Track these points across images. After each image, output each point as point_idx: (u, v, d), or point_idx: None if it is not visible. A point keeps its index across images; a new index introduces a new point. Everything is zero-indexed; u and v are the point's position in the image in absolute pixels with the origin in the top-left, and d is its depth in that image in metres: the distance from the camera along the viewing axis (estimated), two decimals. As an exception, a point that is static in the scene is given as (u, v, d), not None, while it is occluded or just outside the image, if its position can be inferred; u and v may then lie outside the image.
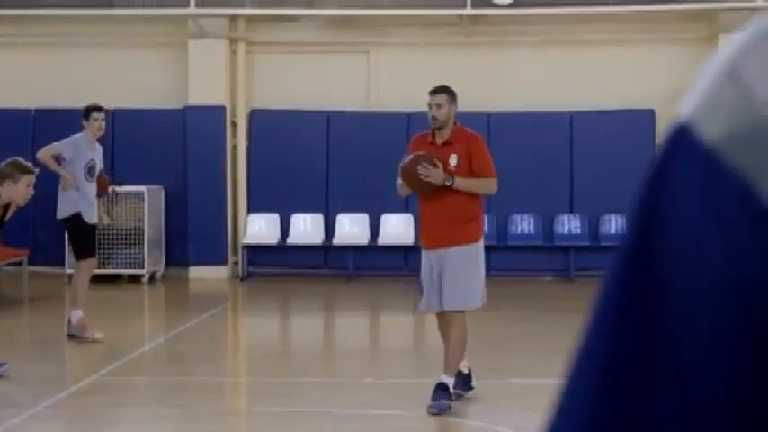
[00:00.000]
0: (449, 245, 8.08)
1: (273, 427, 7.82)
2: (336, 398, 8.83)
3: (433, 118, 8.31)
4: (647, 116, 17.91)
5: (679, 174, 0.65)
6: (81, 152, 11.46)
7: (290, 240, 17.95)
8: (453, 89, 8.55)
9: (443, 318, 8.23)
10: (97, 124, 11.61)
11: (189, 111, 18.07)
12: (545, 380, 9.46)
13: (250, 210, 18.28)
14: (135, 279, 17.08)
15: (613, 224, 17.86)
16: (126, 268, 17.18)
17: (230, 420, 8.47)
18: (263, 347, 12.06)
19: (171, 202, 17.90)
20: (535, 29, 18.06)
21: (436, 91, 8.49)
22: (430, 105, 8.36)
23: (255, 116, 18.41)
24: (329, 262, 18.12)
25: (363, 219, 17.91)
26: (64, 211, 11.47)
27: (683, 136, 0.66)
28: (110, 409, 8.71)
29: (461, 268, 8.05)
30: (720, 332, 0.62)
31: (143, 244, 17.14)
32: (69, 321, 11.38)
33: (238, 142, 18.32)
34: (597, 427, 0.65)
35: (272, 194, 18.09)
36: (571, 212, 17.95)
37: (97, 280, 16.72)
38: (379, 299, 15.99)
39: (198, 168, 18.01)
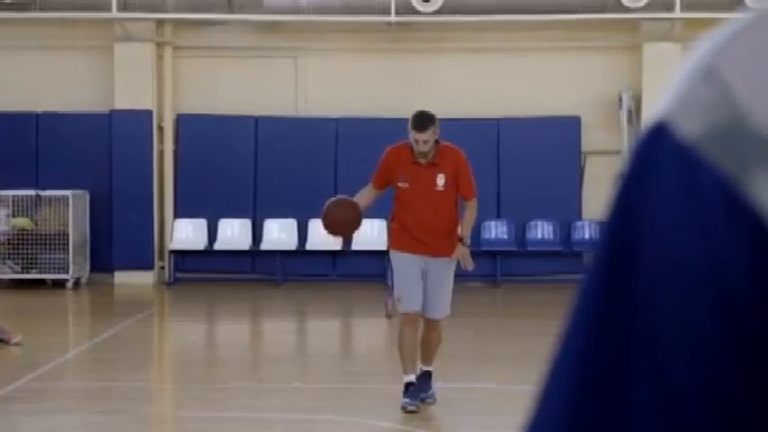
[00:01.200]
0: (437, 254, 8.19)
1: (201, 433, 7.79)
2: (264, 403, 8.81)
3: (421, 153, 8.14)
4: (574, 123, 18.11)
5: (657, 171, 0.65)
6: None
7: (218, 245, 17.86)
8: (433, 114, 8.33)
9: (417, 318, 8.37)
10: None
11: (115, 115, 17.91)
12: (474, 384, 9.53)
13: (177, 215, 18.16)
14: (59, 284, 16.89)
15: (540, 230, 18.03)
16: (50, 273, 16.99)
17: (157, 426, 8.42)
18: (190, 353, 11.99)
19: (96, 206, 17.72)
20: (462, 35, 18.18)
21: (422, 126, 8.16)
22: (416, 140, 8.12)
23: (182, 120, 18.30)
24: (257, 267, 18.07)
25: (291, 224, 17.89)
26: None
27: (660, 133, 0.66)
28: (34, 416, 8.60)
29: (446, 279, 8.29)
30: (701, 330, 0.62)
31: (68, 249, 16.95)
32: None
33: (165, 147, 18.20)
34: (579, 413, 0.65)
35: (200, 199, 17.99)
36: (498, 218, 18.08)
37: (21, 285, 16.54)
38: (307, 304, 15.98)
39: (124, 173, 17.85)
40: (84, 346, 11.57)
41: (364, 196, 8.40)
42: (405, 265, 8.22)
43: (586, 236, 17.97)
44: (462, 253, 8.20)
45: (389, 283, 8.46)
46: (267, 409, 8.49)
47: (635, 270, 0.64)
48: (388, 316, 8.79)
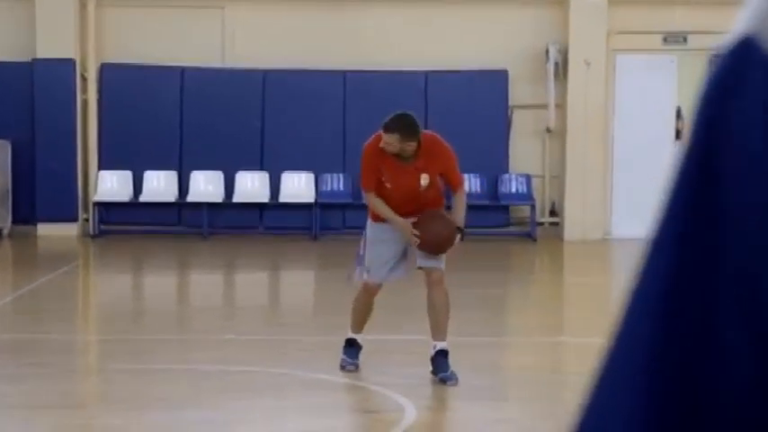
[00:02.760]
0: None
1: (131, 385, 7.72)
2: (194, 355, 8.76)
3: (404, 152, 7.61)
4: (501, 76, 18.14)
5: (745, 84, 0.63)
6: None
7: (143, 198, 17.67)
8: (414, 117, 7.72)
9: (376, 290, 7.98)
10: None
11: (36, 64, 17.57)
12: (398, 337, 9.57)
13: (101, 166, 17.92)
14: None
15: (467, 183, 18.01)
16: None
17: (86, 378, 8.33)
18: (117, 306, 11.87)
19: (18, 157, 17.41)
20: (391, -13, 18.08)
21: (411, 136, 7.57)
22: (403, 149, 7.57)
23: (106, 70, 18.00)
24: (183, 220, 17.92)
25: (218, 176, 17.75)
26: None
27: (745, 48, 0.64)
28: (-41, 368, 8.46)
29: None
30: None
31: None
32: None
33: (89, 97, 17.91)
34: (663, 353, 0.63)
35: (124, 151, 17.77)
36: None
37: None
38: (234, 257, 15.90)
39: (46, 123, 17.55)
40: (8, 298, 11.39)
41: (380, 206, 7.80)
42: (381, 240, 7.84)
43: (513, 189, 18.07)
44: (457, 248, 7.82)
45: (360, 252, 7.96)
46: (198, 361, 8.44)
47: (722, 186, 0.62)
48: (349, 279, 8.42)
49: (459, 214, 7.78)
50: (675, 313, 0.63)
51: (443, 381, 7.70)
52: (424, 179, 7.64)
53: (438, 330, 7.88)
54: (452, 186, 7.85)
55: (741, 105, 0.63)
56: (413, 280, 13.47)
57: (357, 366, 8.04)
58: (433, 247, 7.66)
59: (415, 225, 7.62)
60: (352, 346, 8.12)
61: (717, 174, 0.63)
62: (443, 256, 7.81)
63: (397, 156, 7.62)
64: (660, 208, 0.67)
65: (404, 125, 7.57)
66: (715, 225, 0.63)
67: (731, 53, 0.64)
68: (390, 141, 7.57)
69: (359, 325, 8.13)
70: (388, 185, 7.71)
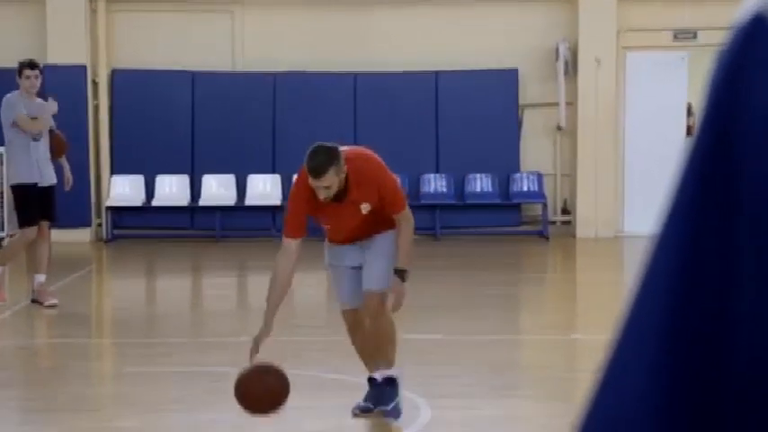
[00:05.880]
0: (372, 235, 6.75)
1: (146, 388, 7.74)
2: (209, 357, 8.78)
3: (325, 198, 6.44)
4: (511, 75, 18.14)
5: (760, 57, 0.64)
6: (14, 111, 11.02)
7: (156, 202, 17.72)
8: (333, 149, 6.46)
9: (354, 317, 6.90)
10: (29, 82, 11.17)
11: (48, 70, 17.60)
12: (413, 336, 9.57)
13: (113, 171, 17.97)
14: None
15: (479, 183, 18.09)
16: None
17: (102, 382, 8.36)
18: (131, 309, 11.91)
19: (31, 163, 17.45)
20: (400, -12, 18.10)
21: (320, 173, 6.34)
22: (316, 187, 6.39)
23: (117, 76, 18.06)
24: (196, 223, 17.96)
25: (230, 179, 17.79)
26: (10, 177, 11.14)
27: (759, 23, 0.65)
28: (-25, 373, 8.50)
29: (385, 250, 6.68)
30: None
31: (2, 206, 16.70)
32: None
33: (100, 102, 17.97)
34: (679, 325, 0.63)
35: (137, 155, 17.82)
36: (437, 172, 18.11)
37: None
38: (247, 259, 15.93)
39: (58, 129, 17.56)
40: (23, 303, 11.43)
41: (280, 278, 6.58)
42: (335, 256, 6.86)
43: (525, 188, 18.06)
44: (398, 292, 6.59)
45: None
46: (213, 363, 8.46)
47: (738, 155, 0.63)
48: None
49: (404, 249, 6.61)
50: (693, 283, 0.63)
51: (384, 414, 6.80)
52: (364, 208, 6.57)
53: (378, 353, 6.82)
54: (391, 212, 6.61)
55: (754, 78, 0.64)
56: (431, 278, 13.51)
57: (363, 411, 6.93)
58: (256, 404, 6.12)
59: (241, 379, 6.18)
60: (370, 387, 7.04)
61: (730, 145, 0.64)
62: (387, 280, 6.63)
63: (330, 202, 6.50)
64: (674, 183, 0.68)
65: (309, 157, 6.40)
66: (730, 194, 0.64)
67: (743, 30, 0.66)
68: (314, 186, 6.43)
69: (363, 361, 7.06)
70: (327, 227, 6.72)
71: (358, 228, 6.68)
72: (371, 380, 6.88)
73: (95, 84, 17.93)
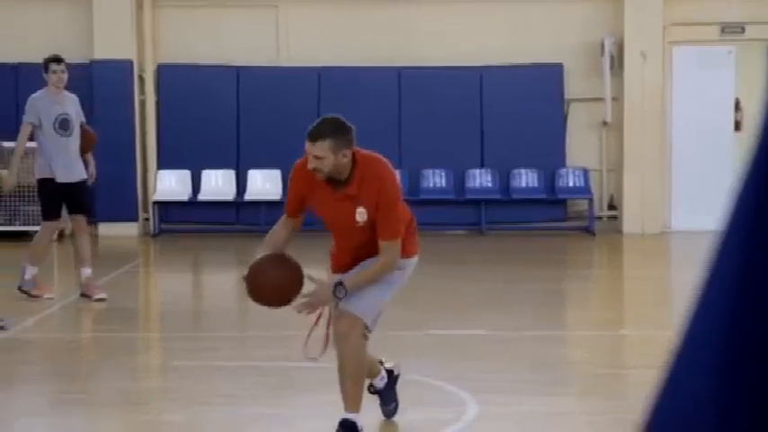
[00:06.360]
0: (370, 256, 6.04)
1: (192, 382, 7.79)
2: (255, 352, 8.82)
3: (314, 170, 5.80)
4: (556, 71, 18.06)
5: None
6: (44, 109, 11.12)
7: (202, 196, 17.82)
8: (344, 124, 5.90)
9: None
10: (56, 76, 11.25)
11: (95, 65, 17.77)
12: (460, 332, 9.56)
13: (160, 166, 18.09)
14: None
15: (524, 178, 18.03)
16: (33, 225, 16.87)
17: (148, 376, 8.42)
18: (178, 303, 11.99)
19: (78, 158, 17.60)
20: (445, -17, 18.07)
21: (315, 136, 5.76)
22: (309, 154, 5.79)
23: (163, 71, 18.17)
24: (241, 218, 18.05)
25: (275, 174, 17.84)
26: (36, 172, 11.26)
27: None
28: (22, 366, 8.60)
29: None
30: None
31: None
32: (23, 275, 11.25)
33: (146, 97, 18.09)
34: (743, 327, 0.63)
35: (183, 150, 17.93)
36: (482, 167, 18.08)
37: (5, 238, 16.45)
38: (292, 253, 15.94)
39: (105, 124, 17.71)
40: (71, 297, 11.53)
41: (274, 237, 6.20)
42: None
43: (570, 183, 17.98)
44: (318, 294, 5.86)
45: None
46: (259, 357, 8.50)
47: None
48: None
49: (365, 273, 5.88)
50: (757, 285, 0.63)
51: None
52: (360, 214, 5.85)
53: (342, 391, 6.11)
54: (381, 234, 5.84)
55: None
56: (476, 274, 13.51)
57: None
58: (264, 296, 5.99)
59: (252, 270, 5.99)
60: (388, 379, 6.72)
61: None
62: (366, 307, 5.94)
63: (329, 189, 5.90)
64: (734, 193, 0.67)
65: (310, 129, 5.83)
66: None
67: None
68: (307, 152, 5.81)
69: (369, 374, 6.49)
70: (321, 217, 6.08)
71: (349, 246, 5.98)
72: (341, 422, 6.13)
73: (142, 79, 18.05)
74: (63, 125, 11.17)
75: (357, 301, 5.91)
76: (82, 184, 11.34)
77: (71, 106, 11.33)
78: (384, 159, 6.00)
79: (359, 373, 6.04)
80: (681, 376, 0.70)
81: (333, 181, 5.87)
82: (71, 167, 11.17)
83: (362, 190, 5.82)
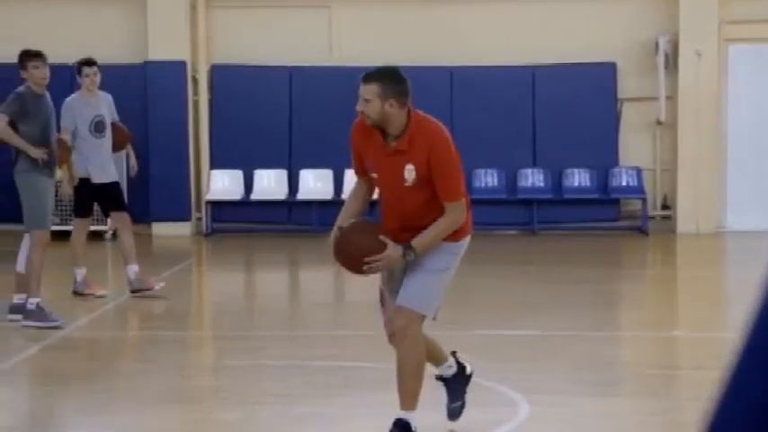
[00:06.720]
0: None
1: (244, 380, 7.83)
2: (306, 351, 8.85)
3: (361, 113, 5.86)
4: (609, 69, 17.95)
5: None
6: (79, 113, 11.21)
7: (254, 196, 17.90)
8: (399, 75, 5.89)
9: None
10: (88, 79, 11.34)
11: (149, 66, 17.91)
12: (511, 332, 9.53)
13: (213, 166, 18.20)
14: (97, 236, 16.96)
15: (576, 177, 17.94)
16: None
17: (200, 374, 8.47)
18: (230, 302, 12.06)
19: (132, 158, 17.73)
20: (497, -18, 18.02)
21: (366, 78, 5.85)
22: (360, 96, 5.83)
23: (217, 71, 18.28)
24: (293, 217, 18.11)
25: (327, 174, 17.88)
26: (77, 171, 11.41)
27: None
28: (78, 363, 8.69)
29: (429, 264, 5.89)
30: None
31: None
32: (75, 279, 11.38)
33: (200, 98, 18.21)
34: None
35: (235, 150, 18.02)
36: (534, 166, 18.00)
37: (59, 237, 16.63)
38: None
39: (159, 124, 17.88)
40: (125, 296, 11.63)
41: (350, 205, 6.15)
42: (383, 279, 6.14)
43: (623, 183, 17.86)
44: (387, 255, 5.76)
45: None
46: (310, 357, 8.52)
47: None
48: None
49: (431, 233, 5.81)
50: None
51: None
52: (409, 171, 5.79)
53: (400, 391, 6.03)
54: (441, 196, 5.81)
55: None
56: (529, 274, 13.47)
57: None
58: (346, 257, 5.91)
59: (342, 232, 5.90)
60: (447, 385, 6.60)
61: None
62: (426, 299, 5.90)
63: (384, 145, 5.87)
64: None
65: (366, 72, 5.92)
66: None
67: None
68: (360, 95, 5.85)
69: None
70: (374, 175, 5.98)
71: (397, 201, 5.86)
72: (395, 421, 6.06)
73: (195, 80, 18.17)
74: (98, 127, 11.27)
75: (411, 295, 5.87)
76: (116, 184, 11.48)
77: (105, 107, 11.40)
78: (441, 124, 5.97)
79: (417, 371, 5.96)
80: (744, 376, 0.69)
81: (385, 136, 5.88)
82: (106, 168, 11.31)
83: (412, 147, 5.79)
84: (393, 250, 5.77)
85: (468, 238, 6.12)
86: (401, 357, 5.95)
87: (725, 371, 0.82)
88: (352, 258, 5.86)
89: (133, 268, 11.37)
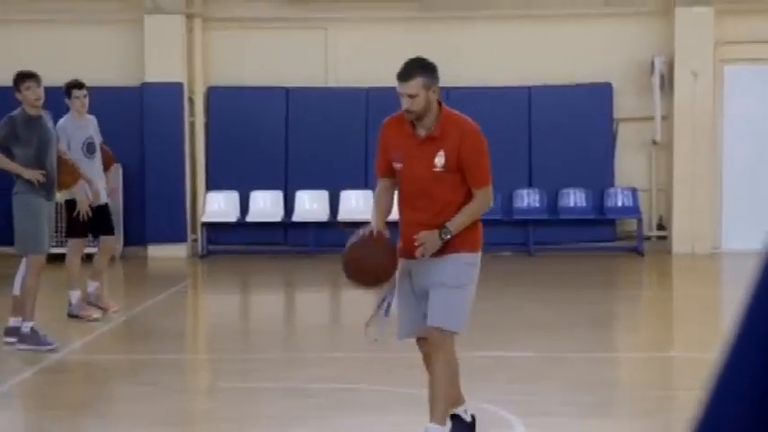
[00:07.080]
0: (438, 253, 6.00)
1: (240, 404, 7.81)
2: (301, 373, 8.83)
3: (408, 111, 5.99)
4: (605, 90, 17.99)
5: None
6: (72, 135, 11.22)
7: (250, 218, 17.90)
8: (429, 62, 6.16)
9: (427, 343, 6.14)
10: (79, 102, 11.37)
11: (146, 88, 17.93)
12: (506, 353, 9.51)
13: (209, 187, 18.20)
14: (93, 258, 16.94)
15: (572, 198, 17.95)
16: (92, 247, 17.01)
17: (196, 397, 8.45)
18: (226, 325, 12.03)
19: (128, 179, 17.76)
20: (492, 3, 18.07)
21: (406, 76, 6.02)
22: (401, 94, 6.00)
23: (213, 93, 18.30)
24: (289, 239, 18.10)
25: (323, 195, 17.89)
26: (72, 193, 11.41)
27: None
28: (74, 386, 8.67)
29: (449, 277, 6.00)
30: None
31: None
32: (70, 301, 11.36)
33: (196, 119, 18.23)
34: None
35: (231, 172, 18.03)
36: (530, 187, 18.01)
37: (56, 260, 16.60)
38: (340, 275, 15.92)
39: (155, 146, 17.89)
40: (121, 318, 11.62)
41: (380, 202, 6.24)
42: (400, 278, 6.13)
43: (619, 203, 17.87)
44: (429, 240, 5.92)
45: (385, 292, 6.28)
46: (305, 379, 8.50)
47: None
48: (367, 334, 6.24)
49: (463, 215, 5.98)
50: None
51: None
52: (440, 157, 5.97)
53: (430, 404, 6.10)
54: (471, 182, 6.04)
55: None
56: (524, 295, 13.44)
57: None
58: (358, 274, 6.14)
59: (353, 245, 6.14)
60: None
61: None
62: (455, 315, 6.01)
63: (414, 136, 6.05)
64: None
65: (400, 70, 6.10)
66: None
67: None
68: (400, 94, 6.05)
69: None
70: (398, 166, 6.09)
71: (421, 190, 5.99)
72: None
73: (191, 101, 18.19)
74: (90, 149, 11.32)
75: (442, 315, 5.98)
76: (106, 206, 11.51)
77: (92, 129, 11.45)
78: (470, 119, 6.20)
79: (445, 385, 6.07)
80: (718, 403, 0.69)
81: (417, 127, 6.06)
82: (98, 190, 11.31)
83: (445, 134, 6.00)
84: (430, 234, 5.92)
85: (480, 253, 6.20)
86: (435, 373, 6.05)
87: (714, 367, 0.82)
88: (367, 275, 6.10)
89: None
